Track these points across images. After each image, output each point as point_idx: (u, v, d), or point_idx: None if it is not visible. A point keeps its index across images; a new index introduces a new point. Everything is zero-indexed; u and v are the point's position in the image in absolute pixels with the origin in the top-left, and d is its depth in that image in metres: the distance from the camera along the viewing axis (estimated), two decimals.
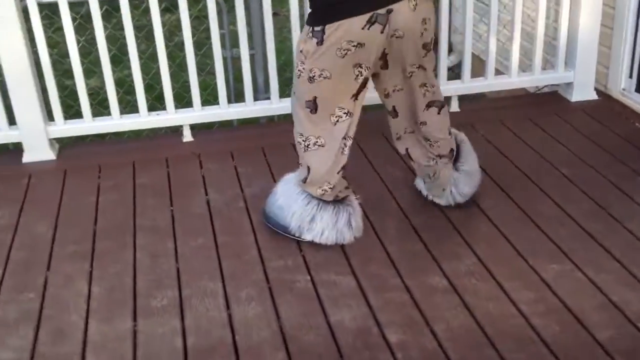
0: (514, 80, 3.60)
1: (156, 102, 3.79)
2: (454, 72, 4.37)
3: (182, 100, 3.86)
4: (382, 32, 2.19)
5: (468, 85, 3.54)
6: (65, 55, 3.19)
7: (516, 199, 2.76)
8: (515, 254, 2.43)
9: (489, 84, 3.58)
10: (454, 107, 3.54)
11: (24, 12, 2.99)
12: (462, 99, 3.59)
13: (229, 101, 3.39)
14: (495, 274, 2.33)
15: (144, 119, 3.29)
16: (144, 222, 2.69)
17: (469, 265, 2.38)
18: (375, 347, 2.05)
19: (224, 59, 3.68)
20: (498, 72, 3.58)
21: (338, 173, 2.43)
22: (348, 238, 2.47)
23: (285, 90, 3.42)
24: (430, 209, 2.71)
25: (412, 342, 2.06)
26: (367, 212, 2.68)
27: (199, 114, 3.32)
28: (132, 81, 3.23)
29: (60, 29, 3.16)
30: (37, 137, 3.15)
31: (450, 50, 4.73)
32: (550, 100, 3.67)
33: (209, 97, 3.81)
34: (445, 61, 3.47)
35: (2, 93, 3.13)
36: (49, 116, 3.20)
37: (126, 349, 2.06)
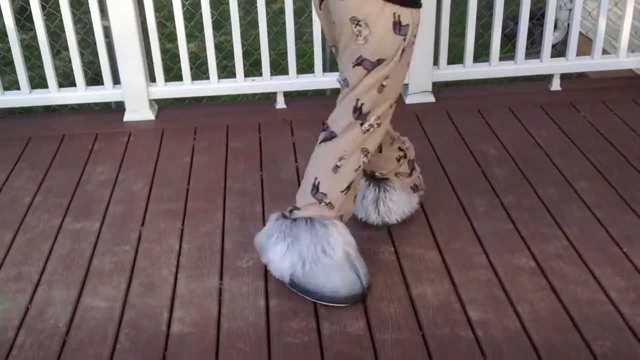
0: (623, 61, 3.44)
1: (252, 68, 3.85)
2: (557, 50, 4.22)
3: (278, 67, 3.90)
4: None
5: (572, 63, 3.41)
6: (168, 18, 3.28)
7: (614, 183, 2.65)
8: (609, 240, 2.34)
9: (596, 63, 3.44)
10: (555, 85, 3.42)
11: None
12: (564, 77, 3.46)
13: (324, 70, 3.40)
14: (585, 258, 2.26)
15: (240, 84, 3.35)
16: (235, 185, 2.75)
17: (559, 247, 2.32)
18: (456, 324, 2.03)
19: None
20: (604, 52, 3.43)
21: None
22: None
23: None
24: (522, 187, 2.65)
25: (494, 321, 2.03)
26: (456, 189, 2.65)
27: (294, 81, 3.35)
28: (231, 46, 3.28)
29: None
30: (138, 98, 3.27)
31: (555, 26, 4.57)
32: None
33: (304, 66, 3.83)
34: (550, 36, 3.35)
35: (109, 53, 3.25)
36: (151, 78, 3.31)
37: (211, 306, 2.13)
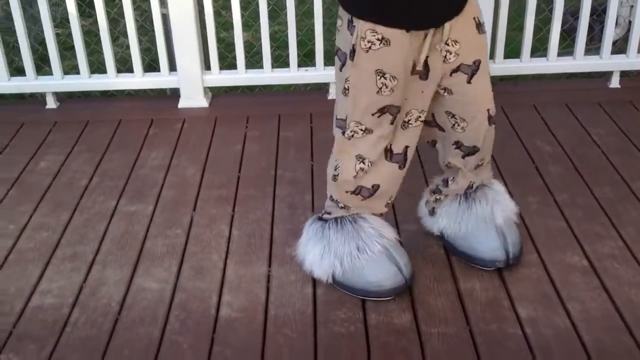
0: None
1: (305, 59, 3.86)
2: (616, 47, 4.12)
3: (331, 58, 3.90)
4: None
5: (633, 60, 3.32)
6: (225, 7, 3.31)
7: None
8: None
9: None
10: (614, 83, 3.34)
11: None
12: (623, 75, 3.37)
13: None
14: None
15: (293, 74, 3.36)
16: (285, 173, 2.77)
17: (613, 247, 2.27)
18: (505, 320, 2.01)
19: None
20: None
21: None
22: None
23: None
24: (577, 185, 2.60)
25: (543, 318, 2.01)
26: (508, 185, 2.61)
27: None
28: (286, 36, 3.30)
29: None
30: (193, 85, 3.31)
31: (616, 23, 4.45)
32: None
33: None
34: (611, 32, 3.27)
35: (166, 41, 3.30)
36: (206, 65, 3.35)
37: (260, 292, 2.15)
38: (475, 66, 1.94)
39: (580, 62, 3.31)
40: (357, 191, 2.06)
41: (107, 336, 2.01)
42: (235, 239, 2.40)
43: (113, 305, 2.12)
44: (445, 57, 1.90)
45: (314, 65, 3.35)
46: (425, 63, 1.88)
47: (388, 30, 1.82)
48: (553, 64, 3.31)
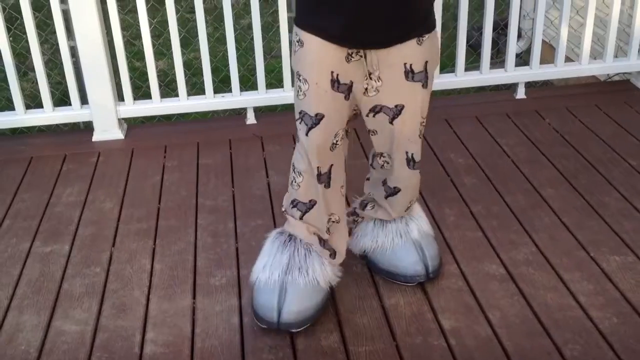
0: (585, 68, 3.50)
1: (222, 85, 3.85)
2: (521, 59, 4.29)
3: (247, 83, 3.91)
4: None
5: (536, 72, 3.47)
6: (136, 37, 3.27)
7: (580, 189, 2.70)
8: (577, 245, 2.39)
9: (559, 71, 3.50)
10: (520, 94, 3.48)
11: None
12: (529, 86, 3.52)
13: (293, 85, 3.41)
14: (554, 264, 2.30)
15: (209, 101, 3.35)
16: (206, 202, 2.75)
17: (528, 254, 2.35)
18: (429, 332, 2.05)
19: (290, 42, 3.71)
20: (567, 59, 3.49)
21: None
22: None
23: None
24: (490, 196, 2.68)
25: (465, 328, 2.06)
26: (426, 199, 2.67)
27: (263, 97, 3.36)
28: (200, 63, 3.29)
29: (131, 11, 3.24)
30: (107, 117, 3.25)
31: (519, 35, 4.64)
32: (620, 89, 3.56)
33: (274, 80, 3.85)
34: (514, 47, 3.40)
35: (76, 73, 3.24)
36: (119, 96, 3.30)
37: (185, 325, 2.12)
38: (397, 110, 1.96)
39: (486, 76, 3.43)
40: (295, 203, 2.07)
41: None
42: (158, 272, 2.36)
43: (32, 352, 2.04)
44: (366, 89, 1.92)
45: (230, 90, 3.35)
46: (350, 86, 1.90)
47: (301, 32, 1.86)
48: (461, 79, 3.42)
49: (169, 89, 4.10)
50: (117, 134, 3.28)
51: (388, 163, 2.10)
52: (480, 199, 2.67)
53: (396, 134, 2.01)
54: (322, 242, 2.09)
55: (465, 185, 2.77)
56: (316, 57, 1.86)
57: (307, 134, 1.94)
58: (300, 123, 1.96)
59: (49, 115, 3.28)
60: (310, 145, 1.95)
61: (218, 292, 2.25)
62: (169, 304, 2.21)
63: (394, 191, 2.15)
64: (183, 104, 3.35)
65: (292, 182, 2.07)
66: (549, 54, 3.72)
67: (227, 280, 2.30)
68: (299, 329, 2.06)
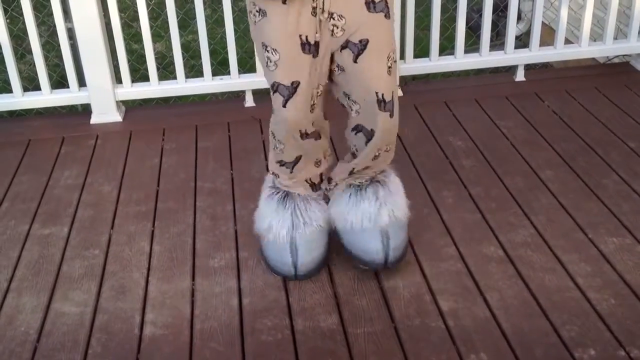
0: (584, 50, 3.49)
1: (220, 67, 3.84)
2: (521, 41, 4.27)
3: (245, 65, 3.89)
4: None
5: (536, 54, 3.45)
6: (134, 19, 3.26)
7: (579, 171, 2.70)
8: (575, 227, 2.39)
9: (558, 53, 3.48)
10: (520, 76, 3.47)
11: None
12: (528, 68, 3.51)
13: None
14: (552, 245, 2.30)
15: (207, 84, 3.34)
16: (205, 184, 2.75)
17: (526, 236, 2.35)
18: (428, 314, 2.06)
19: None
20: (567, 41, 3.48)
21: None
22: None
23: None
24: (489, 178, 2.68)
25: (464, 310, 2.06)
26: (424, 181, 2.67)
27: (262, 79, 3.30)
28: (198, 45, 3.27)
29: None
30: (105, 99, 3.24)
31: (519, 18, 4.62)
32: (620, 71, 3.55)
33: None
34: (513, 29, 3.39)
35: (73, 56, 3.22)
36: (117, 79, 3.28)
37: (184, 307, 2.13)
38: (362, 45, 1.87)
39: (485, 58, 3.42)
40: (282, 163, 2.13)
41: None
42: (157, 254, 2.37)
43: (31, 333, 2.05)
44: (332, 31, 1.86)
45: (228, 73, 3.34)
46: (318, 42, 1.86)
47: (262, 1, 1.82)
48: (460, 61, 3.41)
49: (166, 72, 4.08)
50: (115, 117, 3.27)
51: (359, 107, 1.99)
52: (479, 181, 2.67)
53: (362, 73, 1.91)
54: (314, 186, 2.14)
55: (464, 167, 2.76)
56: (282, 23, 1.81)
57: (284, 106, 1.92)
58: (274, 94, 1.93)
59: (46, 97, 3.27)
60: (290, 118, 1.94)
61: (217, 273, 2.26)
62: (168, 286, 2.22)
63: (371, 134, 2.02)
64: (181, 86, 3.33)
65: (274, 147, 2.10)
66: (548, 36, 3.70)
67: (226, 262, 2.30)
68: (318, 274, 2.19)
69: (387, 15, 1.89)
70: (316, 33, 1.85)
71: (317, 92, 1.98)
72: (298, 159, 2.10)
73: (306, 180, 2.16)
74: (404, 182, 2.63)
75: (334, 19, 1.85)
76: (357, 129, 2.06)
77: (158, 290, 2.20)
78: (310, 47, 1.85)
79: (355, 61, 1.90)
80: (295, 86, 1.88)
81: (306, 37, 1.84)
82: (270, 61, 1.87)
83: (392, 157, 2.16)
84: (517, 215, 2.46)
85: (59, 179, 2.82)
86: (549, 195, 2.56)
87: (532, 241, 2.33)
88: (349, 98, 2.01)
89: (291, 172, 2.13)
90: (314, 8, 1.81)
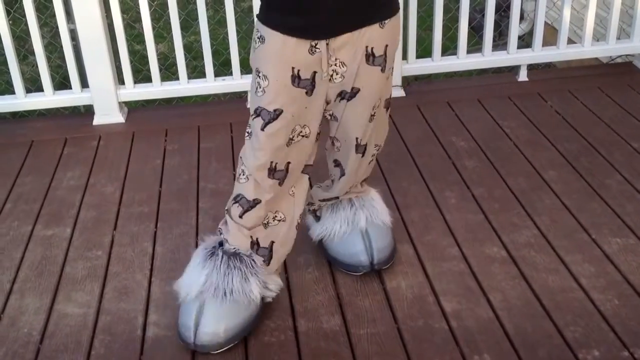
0: (587, 50, 3.48)
1: (222, 68, 3.84)
2: (524, 41, 4.27)
3: (247, 66, 3.88)
4: None
5: (538, 54, 3.45)
6: (136, 20, 3.26)
7: (582, 171, 2.69)
8: (578, 227, 2.38)
9: (561, 53, 3.48)
10: (522, 76, 3.46)
11: None
12: (531, 68, 3.50)
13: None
14: (555, 246, 2.30)
15: (210, 84, 3.34)
16: (207, 185, 2.74)
17: (529, 237, 2.35)
18: (431, 315, 2.06)
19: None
20: (569, 41, 3.48)
21: None
22: None
23: None
24: (492, 178, 2.68)
25: (467, 311, 2.06)
26: (427, 182, 2.67)
27: None
28: (200, 46, 3.27)
29: None
30: (107, 100, 3.24)
31: (522, 18, 4.61)
32: (623, 71, 3.55)
33: None
34: (516, 29, 3.38)
35: (76, 57, 3.23)
36: (119, 80, 3.28)
37: None
38: (353, 93, 1.90)
39: (488, 58, 3.41)
40: (238, 198, 1.96)
41: None
42: (159, 255, 2.36)
43: (34, 335, 2.05)
44: (332, 76, 1.86)
45: (231, 74, 3.34)
46: (313, 79, 1.84)
47: (264, 28, 1.82)
48: (463, 61, 3.40)
49: (169, 72, 4.08)
50: (118, 118, 3.27)
51: (340, 145, 2.05)
52: (481, 182, 2.66)
53: (347, 118, 1.95)
54: (256, 246, 1.98)
55: (466, 168, 2.76)
56: (278, 52, 1.81)
57: (262, 129, 1.86)
58: (255, 119, 1.88)
59: (49, 99, 3.27)
60: (266, 139, 1.87)
61: None
62: (171, 287, 2.20)
63: (343, 172, 2.10)
64: (183, 87, 3.33)
65: (239, 176, 1.96)
66: (551, 36, 3.70)
67: None
68: (219, 350, 1.94)
69: (383, 69, 1.90)
70: (329, 66, 1.84)
71: (301, 132, 1.91)
72: (255, 203, 1.93)
73: (249, 235, 1.97)
74: (407, 182, 2.64)
75: (336, 65, 1.85)
76: (336, 163, 2.11)
77: (161, 292, 2.20)
78: (300, 82, 1.82)
79: (345, 107, 1.94)
80: (277, 113, 1.85)
81: (298, 70, 1.82)
82: (260, 87, 1.86)
83: (368, 175, 2.20)
84: (520, 216, 2.46)
85: (62, 180, 2.82)
86: (552, 196, 2.56)
87: (536, 242, 2.33)
88: (335, 137, 2.06)
89: (241, 216, 1.96)
90: (312, 46, 1.80)
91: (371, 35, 1.84)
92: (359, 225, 2.18)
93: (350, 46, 1.83)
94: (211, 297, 1.95)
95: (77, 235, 2.48)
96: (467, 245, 2.33)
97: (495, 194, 2.59)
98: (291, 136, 1.90)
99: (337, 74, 1.86)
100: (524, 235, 2.36)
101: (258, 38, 1.84)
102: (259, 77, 1.85)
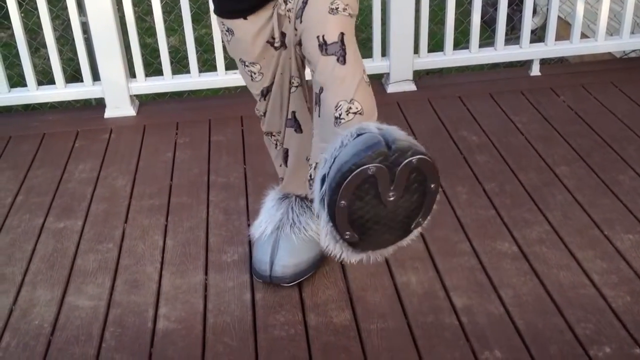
0: (601, 44, 3.45)
1: (233, 61, 3.83)
2: (536, 35, 4.24)
3: None
4: None
5: (551, 48, 3.42)
6: (147, 13, 3.26)
7: (595, 167, 2.67)
8: (590, 223, 2.37)
9: (574, 47, 3.45)
10: (535, 71, 3.44)
11: None
12: (543, 62, 3.48)
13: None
14: (567, 242, 2.28)
15: (221, 78, 3.34)
16: (218, 179, 2.75)
17: (541, 232, 2.34)
18: (441, 311, 2.05)
19: None
20: (583, 36, 3.45)
21: None
22: None
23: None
24: (504, 173, 2.66)
25: (478, 306, 2.05)
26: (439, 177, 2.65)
27: None
28: (212, 39, 3.27)
29: None
30: (119, 93, 3.25)
31: (534, 11, 4.58)
32: (637, 66, 3.52)
33: None
34: (529, 23, 3.36)
35: (87, 50, 3.23)
36: (131, 73, 3.29)
37: (197, 301, 2.13)
38: (303, 4, 1.71)
39: (500, 53, 3.39)
40: (278, 163, 2.17)
41: (41, 359, 1.96)
42: (170, 248, 2.37)
43: (45, 327, 2.06)
44: (289, 17, 1.79)
45: None
46: (282, 35, 1.84)
47: (225, 20, 1.86)
48: (475, 55, 3.38)
49: (180, 66, 4.09)
50: (129, 111, 3.28)
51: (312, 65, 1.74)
52: (493, 177, 2.65)
53: (304, 25, 1.70)
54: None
55: (478, 163, 2.75)
56: (251, 37, 1.84)
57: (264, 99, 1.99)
58: (263, 98, 2.00)
59: (61, 91, 3.28)
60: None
61: (230, 268, 2.26)
62: (182, 280, 2.22)
63: (319, 93, 1.67)
64: (195, 80, 3.34)
65: (274, 145, 2.14)
66: (564, 30, 3.67)
67: (238, 257, 2.30)
68: (292, 283, 2.12)
69: None
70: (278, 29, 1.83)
71: (292, 82, 1.94)
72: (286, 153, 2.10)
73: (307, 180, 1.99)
74: None
75: (287, 3, 1.78)
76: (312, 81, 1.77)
77: (171, 285, 2.20)
78: (280, 42, 1.86)
79: (300, 22, 1.71)
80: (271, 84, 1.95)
81: (273, 38, 1.86)
82: (254, 73, 1.91)
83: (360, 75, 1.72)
84: (532, 212, 2.44)
85: (73, 173, 2.83)
86: (564, 191, 2.54)
87: (547, 237, 2.31)
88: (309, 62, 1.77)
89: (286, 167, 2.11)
90: (273, 12, 1.82)
91: None
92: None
93: None
94: (286, 233, 2.10)
95: (88, 228, 2.49)
96: (478, 241, 2.32)
97: (507, 189, 2.58)
98: (290, 87, 1.95)
99: (291, 10, 1.78)
100: (535, 230, 2.35)
101: (227, 31, 1.88)
102: (247, 65, 1.90)
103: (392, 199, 1.46)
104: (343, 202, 1.43)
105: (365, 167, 1.40)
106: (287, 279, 2.12)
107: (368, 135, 1.44)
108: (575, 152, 2.78)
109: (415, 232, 1.60)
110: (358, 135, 1.45)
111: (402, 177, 1.44)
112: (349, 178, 1.40)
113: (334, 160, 1.45)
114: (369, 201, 1.44)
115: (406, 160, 1.43)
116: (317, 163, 1.75)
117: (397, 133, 1.47)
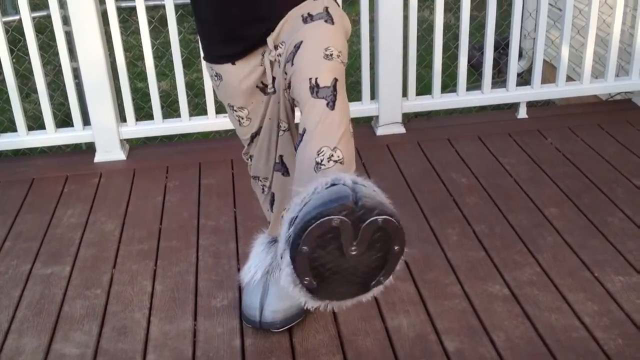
0: (586, 87, 3.50)
1: (223, 105, 3.85)
2: (523, 78, 4.29)
3: None
4: None
5: (538, 91, 3.47)
6: (138, 58, 3.28)
7: (584, 209, 2.68)
8: (581, 265, 2.37)
9: (560, 90, 3.50)
10: (522, 113, 3.47)
11: (103, 16, 3.10)
12: (530, 105, 3.52)
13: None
14: (558, 284, 2.28)
15: (211, 121, 3.35)
16: (208, 222, 2.74)
17: (531, 274, 2.33)
18: (433, 355, 2.03)
19: None
20: (568, 79, 3.50)
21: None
22: None
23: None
24: (493, 215, 2.67)
25: (470, 350, 2.03)
26: (428, 218, 2.66)
27: None
28: (202, 84, 3.29)
29: (134, 32, 3.26)
30: (109, 138, 3.25)
31: (520, 55, 4.65)
32: (622, 108, 3.56)
33: None
34: (515, 66, 3.41)
35: (78, 95, 3.25)
36: (121, 117, 3.30)
37: (186, 348, 2.10)
38: (295, 48, 1.71)
39: (488, 96, 3.44)
40: (266, 207, 2.16)
41: None
42: (159, 294, 2.35)
43: None
44: (278, 61, 1.80)
45: None
46: (273, 79, 1.84)
47: (214, 66, 1.89)
48: (463, 98, 3.42)
49: (171, 110, 4.10)
50: (119, 155, 3.28)
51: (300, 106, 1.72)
52: (483, 219, 2.65)
53: (296, 67, 1.69)
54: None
55: (467, 204, 2.75)
56: (238, 82, 1.87)
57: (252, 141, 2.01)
58: (251, 143, 2.01)
59: (51, 136, 3.28)
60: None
61: (219, 313, 2.23)
62: (170, 326, 2.19)
63: (302, 134, 1.64)
64: (185, 124, 3.35)
65: (261, 190, 2.13)
66: (550, 74, 3.73)
67: (228, 302, 2.28)
68: (282, 329, 2.10)
69: (329, 21, 1.72)
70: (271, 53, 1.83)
71: (280, 126, 1.94)
72: (272, 198, 2.09)
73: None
74: (408, 219, 2.63)
75: (277, 49, 1.80)
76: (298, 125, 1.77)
77: (160, 331, 2.17)
78: (271, 88, 1.88)
79: (292, 65, 1.70)
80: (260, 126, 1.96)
81: (263, 83, 1.88)
82: (242, 118, 1.94)
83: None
84: (522, 253, 2.44)
85: (62, 218, 2.81)
86: (554, 233, 2.55)
87: (538, 280, 2.31)
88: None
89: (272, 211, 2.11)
90: (262, 58, 1.84)
91: (305, 7, 1.74)
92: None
93: (284, 28, 1.78)
94: (275, 277, 2.05)
95: (76, 274, 2.46)
96: (469, 283, 2.31)
97: (497, 230, 2.58)
98: (278, 132, 1.95)
99: (280, 55, 1.79)
100: (526, 272, 2.34)
101: (215, 75, 1.91)
102: (235, 110, 1.92)
103: (354, 253, 1.47)
104: (305, 247, 1.44)
105: (329, 217, 1.41)
106: (277, 325, 2.11)
107: (339, 187, 1.45)
108: (564, 194, 2.79)
109: (375, 290, 1.59)
110: (332, 185, 1.47)
111: (366, 234, 1.45)
112: (313, 225, 1.42)
113: (303, 206, 1.46)
114: (331, 251, 1.46)
115: (371, 219, 1.43)
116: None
117: (368, 190, 1.47)
